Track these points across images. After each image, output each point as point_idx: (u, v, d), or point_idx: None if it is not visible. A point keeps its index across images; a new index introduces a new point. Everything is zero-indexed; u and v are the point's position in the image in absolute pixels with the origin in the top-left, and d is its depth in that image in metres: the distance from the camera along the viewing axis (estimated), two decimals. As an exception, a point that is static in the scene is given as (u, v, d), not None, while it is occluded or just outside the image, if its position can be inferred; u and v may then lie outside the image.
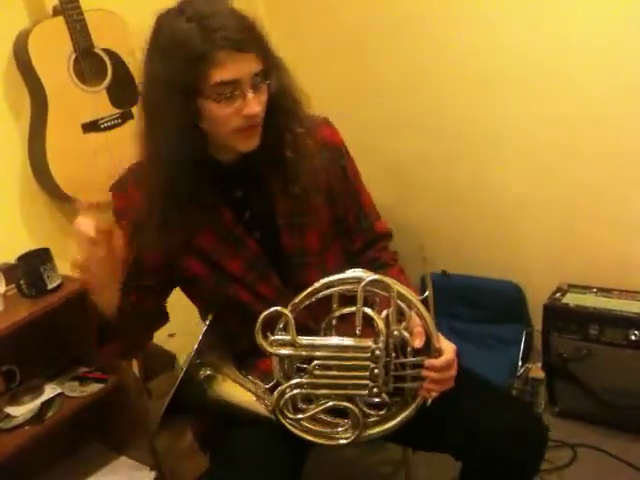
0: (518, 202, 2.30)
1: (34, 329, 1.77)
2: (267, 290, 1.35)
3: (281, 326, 1.19)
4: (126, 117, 2.05)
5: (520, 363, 2.28)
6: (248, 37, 1.18)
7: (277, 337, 1.19)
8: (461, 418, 1.28)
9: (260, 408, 1.24)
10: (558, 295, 2.15)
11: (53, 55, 1.91)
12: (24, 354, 1.93)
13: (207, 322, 1.26)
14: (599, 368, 2.04)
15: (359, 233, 1.47)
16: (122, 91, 2.04)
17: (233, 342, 1.30)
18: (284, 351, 1.19)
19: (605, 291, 2.12)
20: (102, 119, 2.01)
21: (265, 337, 1.18)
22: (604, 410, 2.06)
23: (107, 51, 2.00)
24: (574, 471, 1.97)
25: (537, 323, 2.26)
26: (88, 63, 1.97)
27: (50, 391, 1.90)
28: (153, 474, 2.01)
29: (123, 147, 2.02)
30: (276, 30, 2.60)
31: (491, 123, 2.26)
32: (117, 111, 2.03)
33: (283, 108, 1.29)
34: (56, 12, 1.92)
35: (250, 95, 1.19)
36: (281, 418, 1.21)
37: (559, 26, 2.00)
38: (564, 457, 2.00)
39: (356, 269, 1.21)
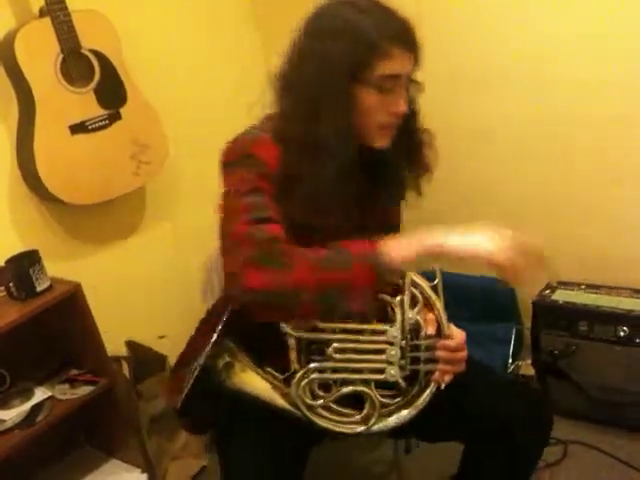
0: (507, 199, 2.31)
1: (23, 332, 1.76)
2: None
3: None
4: (114, 118, 2.04)
5: (510, 360, 2.29)
6: (414, 38, 1.22)
7: None
8: (471, 403, 1.33)
9: (276, 397, 1.25)
10: (547, 292, 2.16)
11: (40, 56, 1.89)
12: (13, 357, 1.92)
13: (227, 312, 1.24)
14: (588, 364, 2.05)
15: None
16: (110, 92, 2.03)
17: (249, 331, 1.27)
18: (306, 334, 1.21)
19: (594, 288, 2.13)
20: (90, 120, 1.99)
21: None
22: (594, 406, 2.07)
23: (94, 52, 1.99)
24: (565, 467, 1.97)
25: (527, 320, 2.26)
26: (75, 64, 1.96)
27: (40, 394, 1.89)
28: (144, 476, 2.01)
29: (110, 148, 2.04)
30: (270, 30, 2.63)
31: (483, 122, 2.26)
32: (105, 112, 2.02)
33: (416, 112, 1.34)
34: (42, 13, 1.91)
35: (404, 93, 1.23)
36: (300, 404, 1.22)
37: (558, 25, 2.01)
38: (555, 454, 2.00)
39: None
